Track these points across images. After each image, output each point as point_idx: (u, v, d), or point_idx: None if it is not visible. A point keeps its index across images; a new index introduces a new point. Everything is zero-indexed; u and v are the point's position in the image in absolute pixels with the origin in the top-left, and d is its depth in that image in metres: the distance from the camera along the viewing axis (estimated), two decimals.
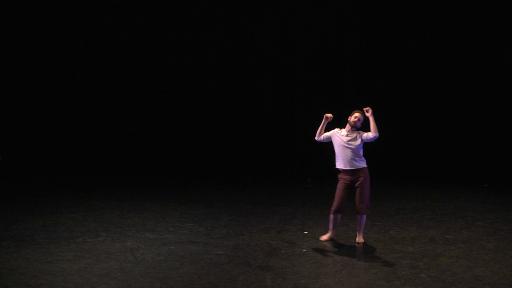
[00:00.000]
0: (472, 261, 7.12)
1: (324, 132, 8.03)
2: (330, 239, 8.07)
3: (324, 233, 8.20)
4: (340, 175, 7.98)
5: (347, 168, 7.85)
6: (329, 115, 7.97)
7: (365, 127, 7.92)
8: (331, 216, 7.99)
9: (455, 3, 14.66)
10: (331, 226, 8.07)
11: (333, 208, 7.92)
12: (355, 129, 7.87)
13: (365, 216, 7.97)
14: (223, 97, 15.45)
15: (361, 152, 7.88)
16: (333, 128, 8.01)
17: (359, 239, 8.03)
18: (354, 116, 7.87)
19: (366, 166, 7.93)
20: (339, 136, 7.89)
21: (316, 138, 8.09)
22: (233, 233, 8.46)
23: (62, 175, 14.20)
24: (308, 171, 14.70)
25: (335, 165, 8.01)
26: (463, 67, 14.81)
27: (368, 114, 7.86)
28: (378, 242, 7.98)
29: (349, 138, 7.84)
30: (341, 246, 7.78)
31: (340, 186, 7.93)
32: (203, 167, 15.14)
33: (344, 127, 7.94)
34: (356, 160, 7.83)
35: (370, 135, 7.80)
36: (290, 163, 15.22)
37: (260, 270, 6.69)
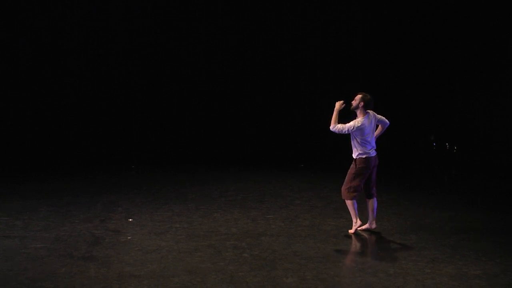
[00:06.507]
0: (290, 238, 7.54)
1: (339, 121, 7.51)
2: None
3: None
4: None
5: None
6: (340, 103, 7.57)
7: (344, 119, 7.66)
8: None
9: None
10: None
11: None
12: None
13: (347, 200, 7.71)
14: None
15: (353, 142, 7.61)
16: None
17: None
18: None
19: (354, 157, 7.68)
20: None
21: (334, 128, 7.48)
22: (54, 225, 8.08)
23: None
24: (132, 158, 14.43)
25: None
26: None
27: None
28: (202, 225, 8.11)
29: None
30: (166, 232, 7.79)
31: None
32: (19, 157, 14.19)
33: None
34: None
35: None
36: (113, 150, 14.82)
37: (83, 261, 6.48)
